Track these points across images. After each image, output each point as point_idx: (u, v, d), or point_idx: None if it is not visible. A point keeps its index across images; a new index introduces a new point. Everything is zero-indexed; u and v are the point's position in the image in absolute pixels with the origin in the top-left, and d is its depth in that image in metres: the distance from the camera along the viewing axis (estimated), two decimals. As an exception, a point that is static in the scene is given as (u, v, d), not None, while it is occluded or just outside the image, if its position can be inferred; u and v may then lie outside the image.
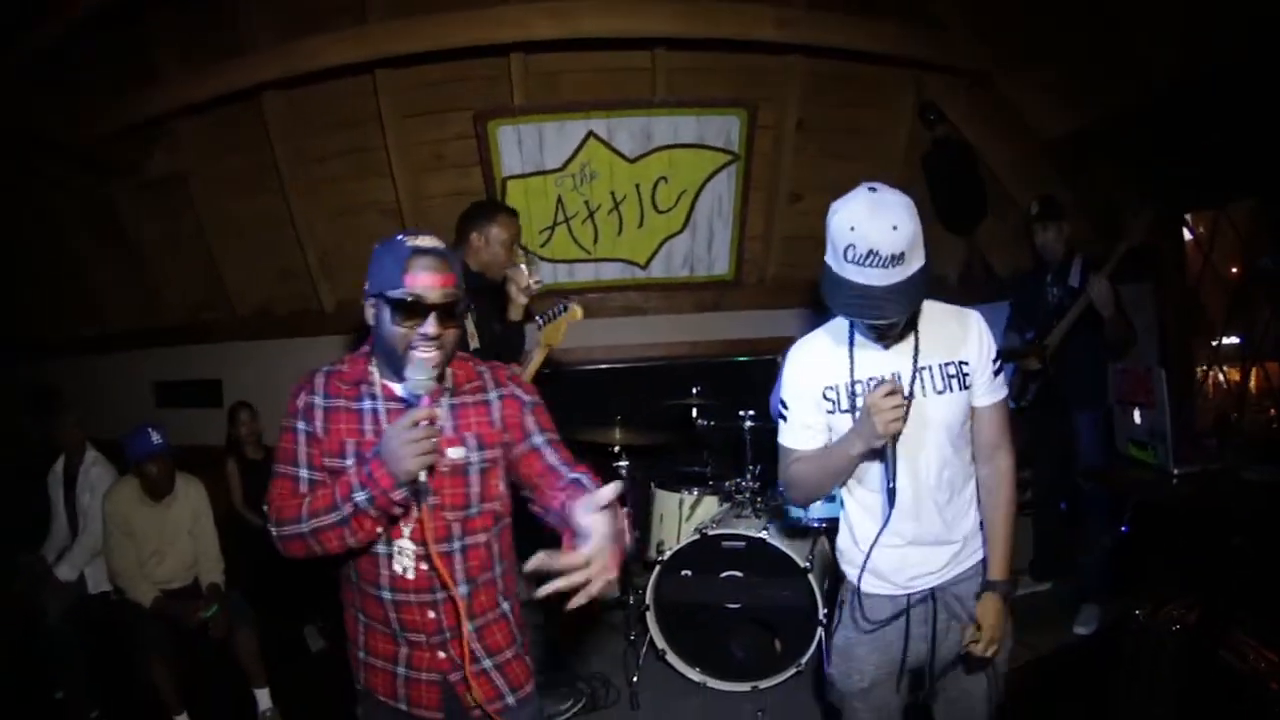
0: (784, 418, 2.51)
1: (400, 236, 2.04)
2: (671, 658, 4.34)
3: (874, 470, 2.40)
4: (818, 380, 2.43)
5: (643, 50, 5.14)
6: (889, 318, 2.18)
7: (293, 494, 2.11)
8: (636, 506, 5.18)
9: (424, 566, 2.09)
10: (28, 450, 5.44)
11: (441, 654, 2.15)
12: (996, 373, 2.44)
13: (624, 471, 4.84)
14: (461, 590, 2.11)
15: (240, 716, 4.33)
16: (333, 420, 2.12)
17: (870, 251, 2.06)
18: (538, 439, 2.22)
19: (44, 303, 7.32)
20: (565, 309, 4.08)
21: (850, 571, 2.52)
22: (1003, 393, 2.48)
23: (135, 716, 4.18)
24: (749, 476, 4.86)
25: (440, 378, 2.08)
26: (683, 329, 6.32)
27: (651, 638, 4.37)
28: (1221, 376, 5.94)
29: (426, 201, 5.90)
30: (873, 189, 2.14)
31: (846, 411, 2.38)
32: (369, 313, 2.08)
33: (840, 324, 2.45)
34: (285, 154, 5.67)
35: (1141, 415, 3.72)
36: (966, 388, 2.39)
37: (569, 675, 4.52)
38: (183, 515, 4.48)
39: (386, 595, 2.13)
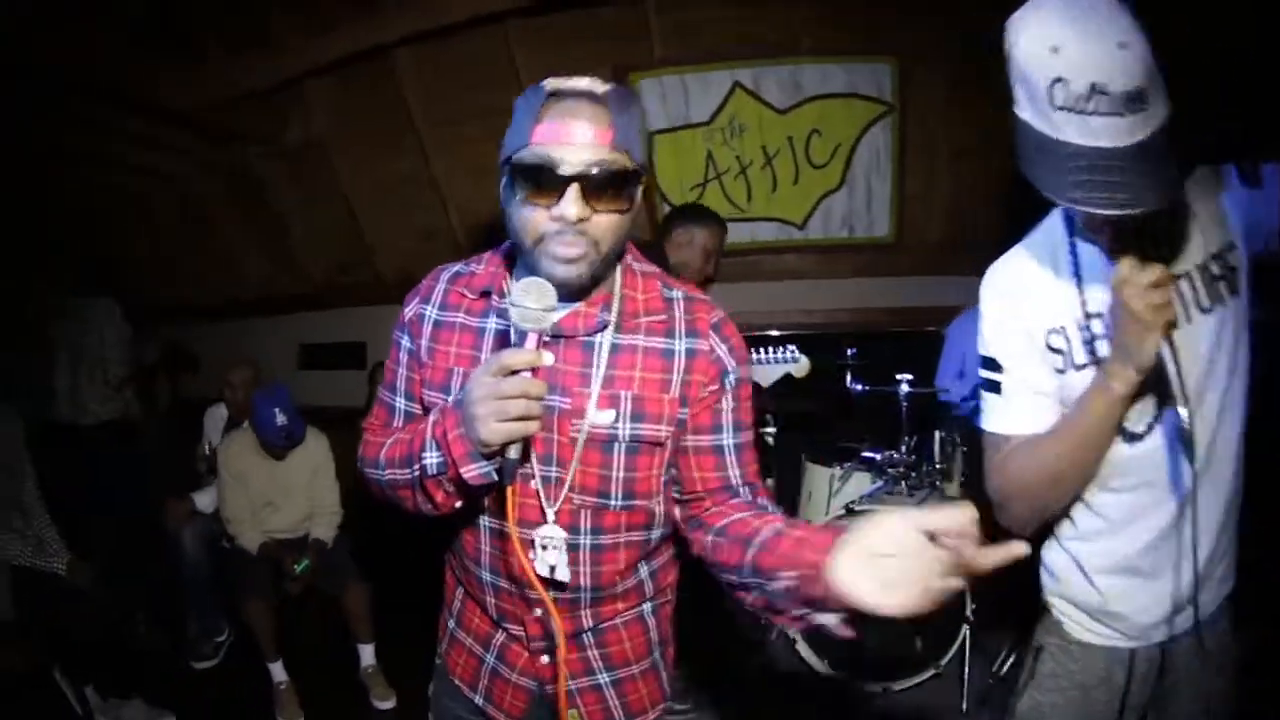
0: (995, 387, 1.69)
1: (547, 79, 1.43)
2: (801, 647, 3.98)
3: (1133, 454, 1.60)
4: (1040, 318, 1.63)
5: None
6: (1138, 205, 1.27)
7: (384, 425, 1.71)
8: (786, 480, 4.88)
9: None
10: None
11: (545, 659, 1.64)
12: None
13: (771, 439, 4.61)
14: (584, 596, 1.59)
15: (340, 671, 4.29)
16: (442, 339, 1.59)
17: (1092, 87, 1.24)
18: (727, 438, 1.57)
19: (190, 269, 7.59)
20: (794, 359, 3.87)
21: (1061, 608, 1.83)
22: None
23: (251, 650, 4.19)
24: (903, 449, 4.42)
25: (578, 294, 1.48)
26: (841, 295, 5.89)
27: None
28: None
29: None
30: None
31: (1084, 367, 1.59)
32: (501, 191, 1.46)
33: (1051, 233, 1.67)
34: (422, 116, 5.59)
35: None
36: (1235, 292, 1.56)
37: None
38: (300, 469, 4.45)
39: (486, 576, 1.64)
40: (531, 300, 1.28)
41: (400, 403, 1.68)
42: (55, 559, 3.69)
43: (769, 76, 5.13)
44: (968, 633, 3.67)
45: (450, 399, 1.52)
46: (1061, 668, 1.81)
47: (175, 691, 4.14)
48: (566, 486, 1.50)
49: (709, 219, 3.94)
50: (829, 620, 1.28)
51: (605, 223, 1.38)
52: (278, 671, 4.07)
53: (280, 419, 4.19)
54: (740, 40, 5.01)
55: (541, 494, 1.50)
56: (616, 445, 1.50)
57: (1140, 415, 1.57)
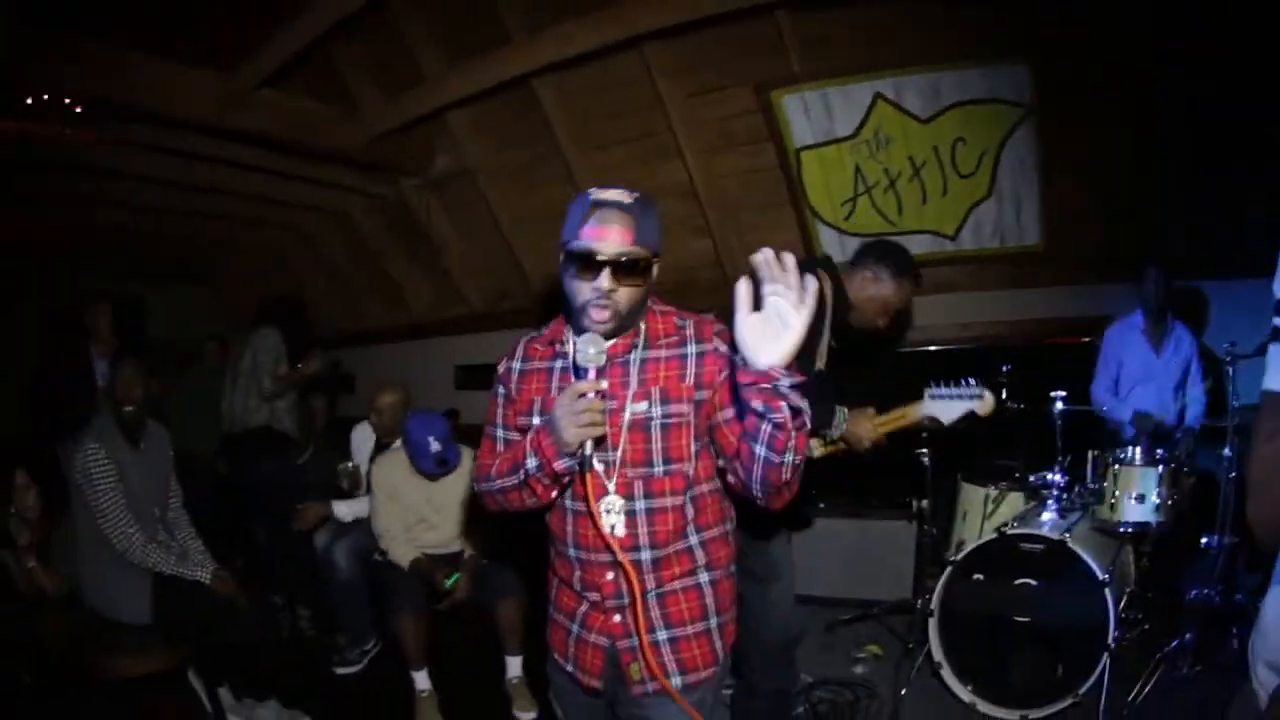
0: None
1: (592, 190, 1.96)
2: (946, 673, 3.88)
3: None
4: None
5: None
6: None
7: (491, 452, 2.19)
8: (941, 499, 4.82)
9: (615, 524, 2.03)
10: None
11: (617, 618, 2.07)
12: None
13: (926, 459, 4.60)
14: (645, 555, 2.03)
15: (485, 682, 4.38)
16: (525, 381, 2.15)
17: None
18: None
19: (355, 297, 8.10)
20: (975, 395, 3.45)
21: (1263, 678, 1.36)
22: None
23: (396, 658, 4.35)
24: (1057, 469, 4.31)
25: (614, 332, 1.99)
26: (995, 307, 5.72)
27: (929, 648, 3.94)
28: None
29: (721, 181, 5.79)
30: None
31: None
32: (561, 268, 2.01)
33: None
34: (569, 141, 5.74)
35: None
36: None
37: (834, 679, 4.27)
38: (454, 488, 4.53)
39: (572, 553, 2.10)
40: (592, 349, 1.88)
41: (500, 433, 2.20)
42: (200, 569, 3.96)
43: (909, 86, 5.03)
44: (1108, 661, 3.50)
45: (534, 419, 2.07)
46: None
47: (314, 694, 4.30)
48: (619, 464, 1.99)
49: (900, 272, 3.52)
50: (765, 404, 1.75)
51: (626, 294, 1.92)
52: (421, 680, 4.20)
53: (435, 447, 4.31)
54: (877, 51, 4.93)
55: (603, 473, 2.00)
56: (652, 424, 2.00)
57: None
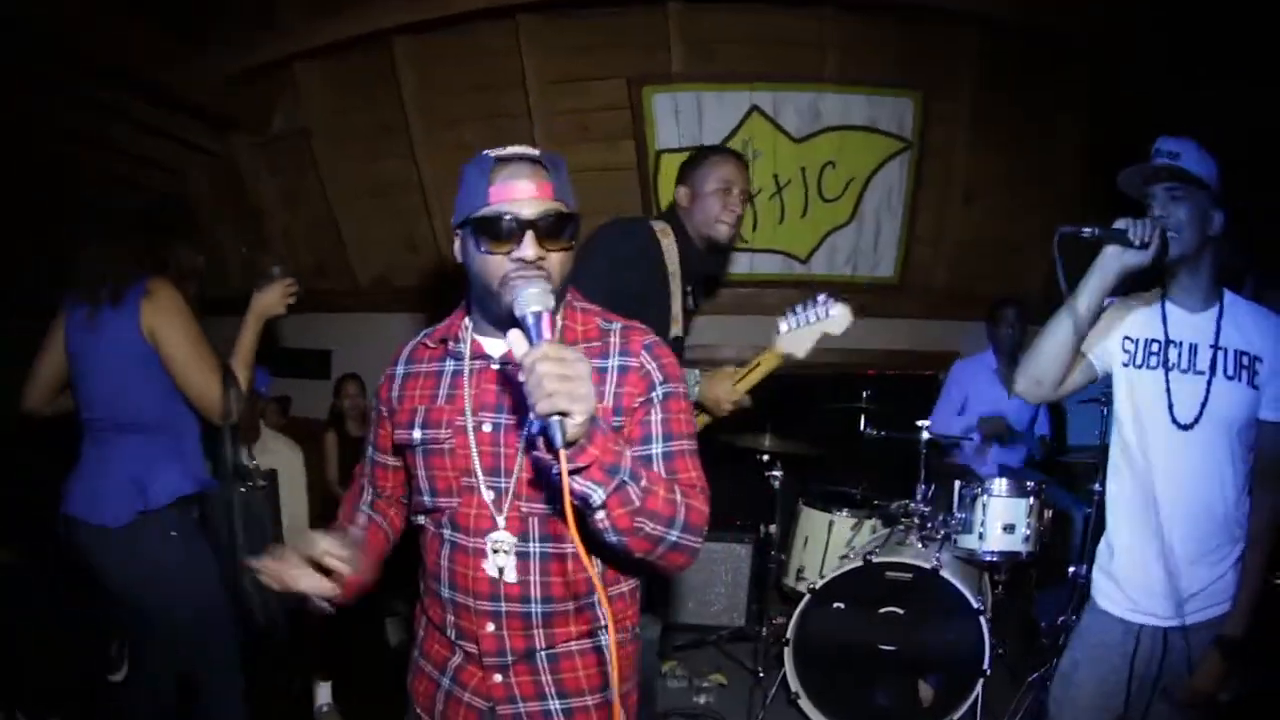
0: None
1: (486, 151, 1.65)
2: (804, 703, 3.80)
3: (1146, 460, 2.26)
4: (1121, 328, 2.39)
5: (809, 8, 4.59)
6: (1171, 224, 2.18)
7: (362, 470, 2.00)
8: (780, 524, 4.60)
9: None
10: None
11: (498, 677, 1.73)
12: None
13: (776, 483, 4.43)
14: (536, 609, 1.69)
15: (296, 709, 4.07)
16: (408, 387, 1.83)
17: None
18: (656, 447, 1.67)
19: None
20: (826, 314, 2.94)
21: (1097, 581, 2.41)
22: None
23: None
24: (919, 498, 4.28)
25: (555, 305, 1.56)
26: (842, 335, 5.67)
27: (785, 677, 3.82)
28: None
29: (573, 175, 5.44)
30: None
31: (1142, 368, 2.32)
32: (456, 250, 1.71)
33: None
34: (417, 113, 5.34)
35: None
36: (1255, 387, 2.19)
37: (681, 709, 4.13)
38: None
39: (446, 594, 1.76)
40: (534, 288, 1.45)
41: (371, 452, 1.96)
42: None
43: (788, 103, 4.99)
44: (980, 689, 3.57)
45: (415, 433, 1.76)
46: (1090, 626, 2.38)
47: (74, 701, 3.90)
48: (512, 495, 1.67)
49: (708, 153, 3.09)
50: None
51: (556, 259, 1.61)
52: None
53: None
54: (763, 62, 4.87)
55: (492, 503, 1.68)
56: None
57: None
